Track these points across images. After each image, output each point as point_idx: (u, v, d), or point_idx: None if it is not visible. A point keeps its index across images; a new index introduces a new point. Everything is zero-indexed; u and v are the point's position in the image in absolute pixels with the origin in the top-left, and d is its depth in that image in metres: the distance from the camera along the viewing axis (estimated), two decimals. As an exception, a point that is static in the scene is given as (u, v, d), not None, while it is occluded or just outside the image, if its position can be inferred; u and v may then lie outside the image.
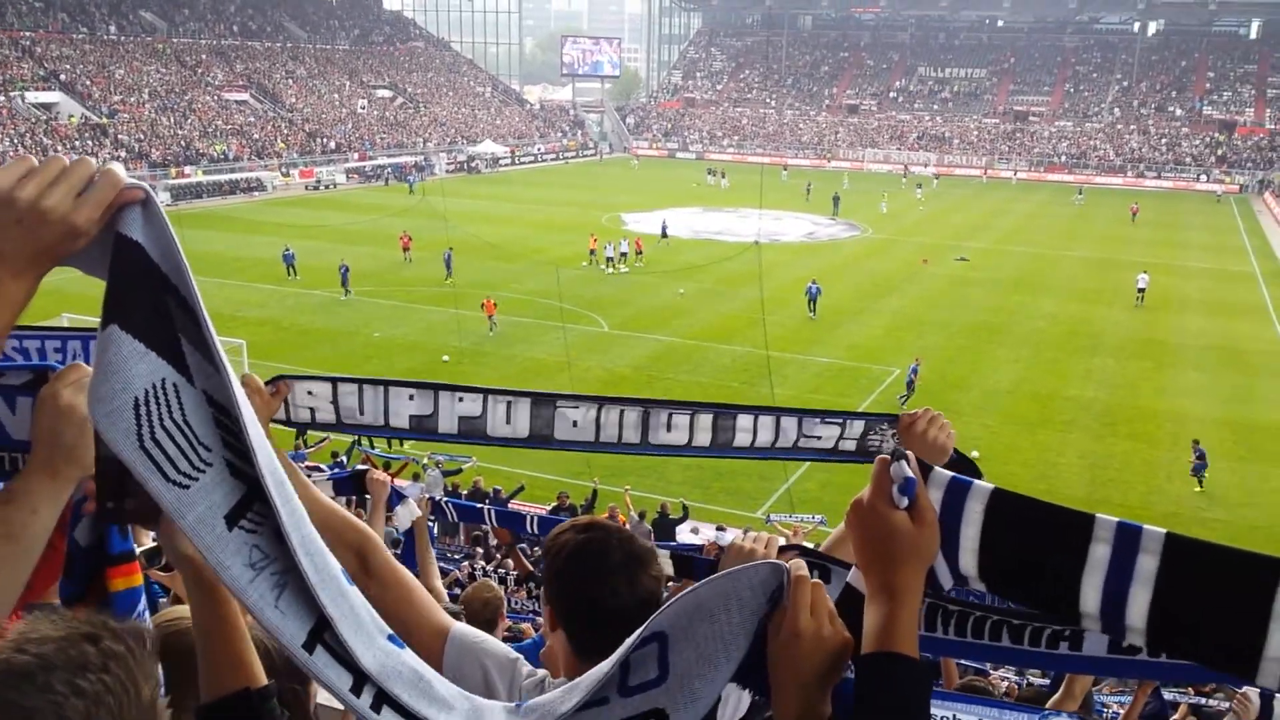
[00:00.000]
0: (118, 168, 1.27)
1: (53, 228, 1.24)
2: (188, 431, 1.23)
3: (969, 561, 1.41)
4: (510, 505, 17.62)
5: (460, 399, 2.85)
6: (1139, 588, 1.27)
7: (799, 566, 1.46)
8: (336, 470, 9.82)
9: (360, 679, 1.30)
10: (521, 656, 2.02)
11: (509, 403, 2.83)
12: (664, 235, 47.44)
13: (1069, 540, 1.32)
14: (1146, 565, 1.27)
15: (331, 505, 2.16)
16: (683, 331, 32.58)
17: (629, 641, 1.42)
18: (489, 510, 8.99)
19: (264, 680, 1.67)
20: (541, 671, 1.98)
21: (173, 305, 1.24)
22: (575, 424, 2.85)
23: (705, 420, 2.87)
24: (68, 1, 73.95)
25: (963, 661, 9.39)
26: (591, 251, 41.75)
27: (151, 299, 1.23)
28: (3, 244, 1.25)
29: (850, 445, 2.91)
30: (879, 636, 1.39)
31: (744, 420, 2.89)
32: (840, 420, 2.90)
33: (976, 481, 1.40)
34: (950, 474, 1.42)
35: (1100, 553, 1.29)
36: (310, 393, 2.97)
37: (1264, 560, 1.21)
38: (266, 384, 2.78)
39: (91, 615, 1.17)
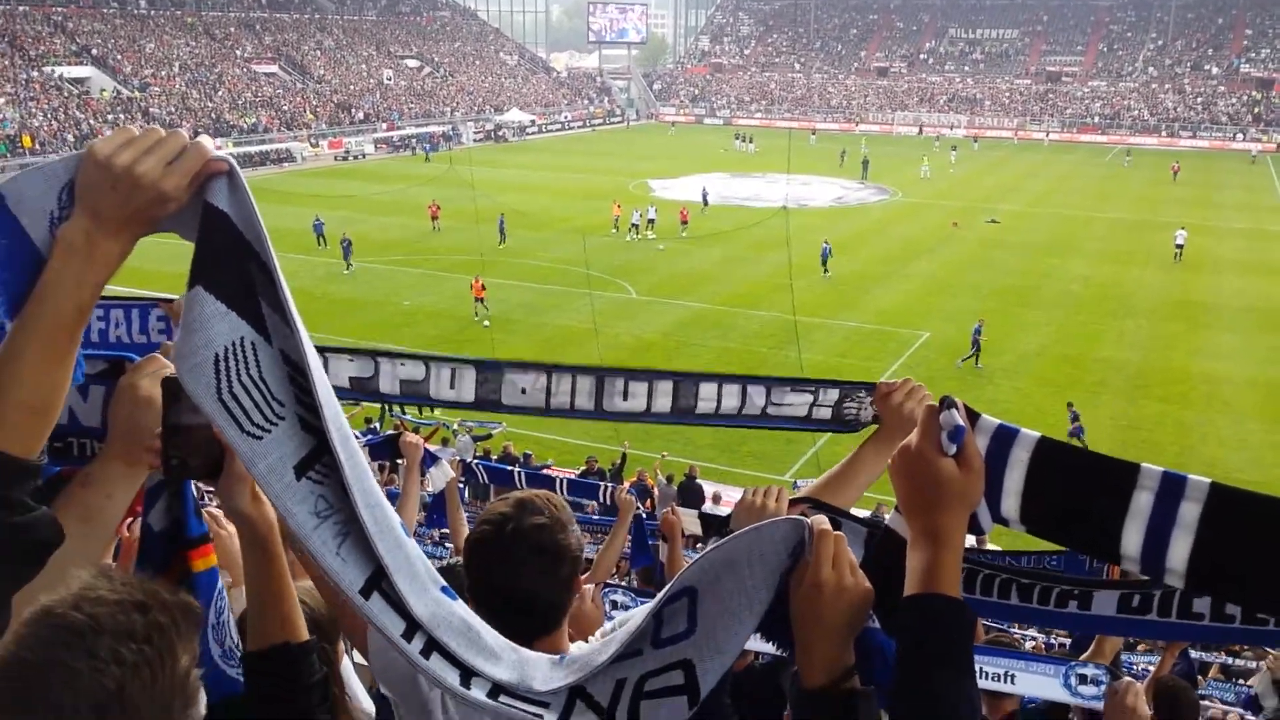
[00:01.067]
0: (206, 140, 1.38)
1: (144, 192, 1.33)
2: (263, 387, 1.33)
3: (1011, 505, 1.42)
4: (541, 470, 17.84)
5: (402, 364, 2.80)
6: (1181, 533, 1.29)
7: (821, 521, 1.48)
8: (371, 435, 10.05)
9: (412, 626, 1.38)
10: None
11: (453, 369, 2.80)
12: (705, 203, 46.75)
13: (1113, 486, 1.33)
14: (1189, 512, 1.28)
15: None
16: (711, 297, 32.55)
17: (661, 595, 1.47)
18: (519, 473, 9.17)
19: (305, 636, 1.75)
20: None
21: (254, 270, 1.34)
22: (524, 391, 2.76)
23: (665, 386, 2.76)
24: (97, -24, 74.34)
25: (985, 622, 9.48)
26: (616, 219, 41.67)
27: (235, 264, 1.33)
28: (100, 205, 1.34)
29: (825, 413, 2.77)
30: (923, 579, 1.42)
31: (706, 389, 2.76)
32: (813, 388, 2.75)
33: (1023, 430, 1.41)
34: (997, 421, 1.44)
35: (1144, 500, 1.31)
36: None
37: None
38: None
39: (146, 583, 1.25)
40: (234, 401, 1.31)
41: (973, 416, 1.44)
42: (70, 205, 1.36)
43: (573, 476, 17.25)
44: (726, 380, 2.80)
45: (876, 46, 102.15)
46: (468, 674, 1.42)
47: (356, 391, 2.94)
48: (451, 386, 2.78)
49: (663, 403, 2.78)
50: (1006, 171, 63.28)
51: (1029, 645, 9.53)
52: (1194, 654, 9.73)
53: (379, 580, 1.36)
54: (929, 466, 1.42)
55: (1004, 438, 1.42)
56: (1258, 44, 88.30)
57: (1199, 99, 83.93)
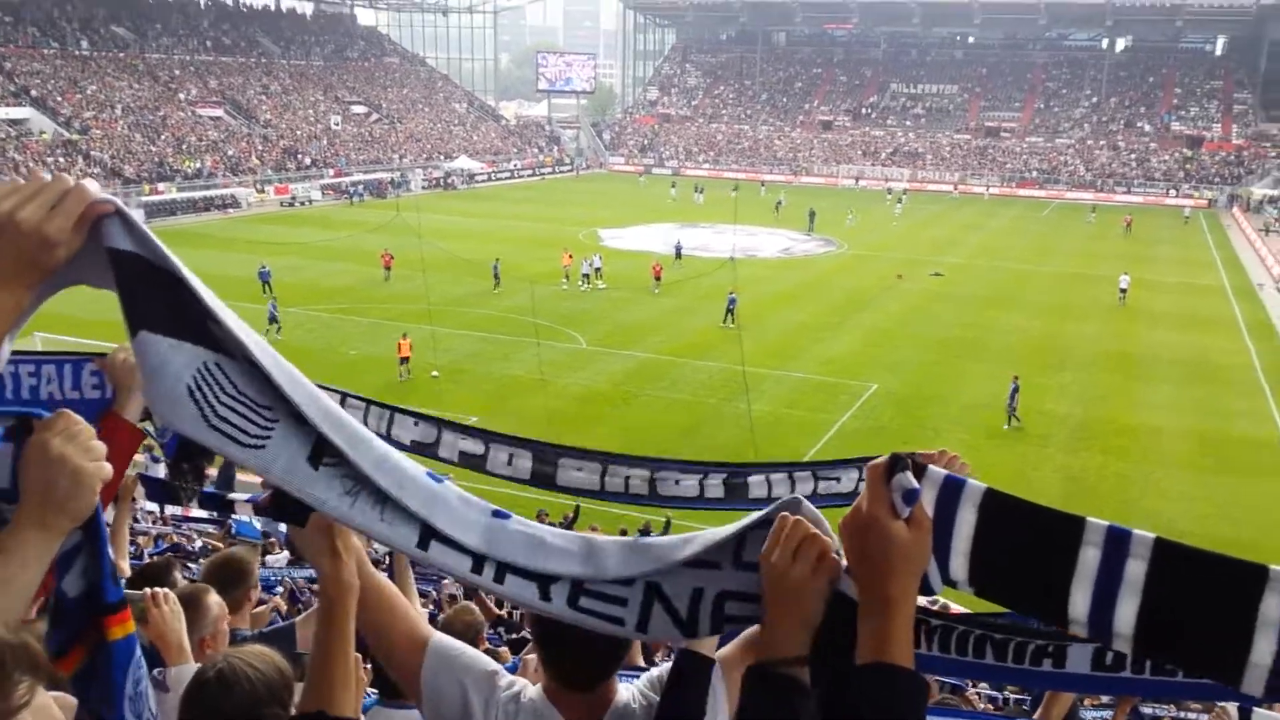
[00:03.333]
0: (89, 183, 1.37)
1: (27, 238, 1.32)
2: (246, 400, 1.34)
3: (959, 564, 1.41)
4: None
5: (463, 439, 2.94)
6: (1127, 593, 1.28)
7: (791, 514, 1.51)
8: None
9: (478, 559, 1.41)
10: (501, 669, 2.04)
11: (510, 453, 2.89)
12: (678, 256, 46.25)
13: (1059, 544, 1.32)
14: (1135, 570, 1.28)
15: (387, 588, 2.21)
16: (660, 347, 32.63)
17: (752, 517, 1.47)
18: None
19: (346, 713, 1.73)
20: (520, 682, 2.01)
21: (184, 296, 1.32)
22: (579, 470, 2.91)
23: (716, 480, 2.92)
24: (37, 16, 73.39)
25: (940, 679, 9.45)
26: (566, 268, 41.69)
27: (163, 296, 1.32)
28: None
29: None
30: (875, 647, 1.39)
31: (756, 478, 2.93)
32: (860, 462, 2.93)
33: (970, 481, 1.40)
34: (945, 472, 1.42)
35: (1090, 556, 1.30)
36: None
37: (1250, 567, 1.23)
38: None
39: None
40: (225, 424, 1.32)
41: (919, 469, 1.42)
42: None
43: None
44: (774, 471, 2.99)
45: (821, 99, 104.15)
46: (545, 584, 1.43)
47: (416, 453, 3.10)
48: (508, 464, 2.97)
49: (715, 493, 2.97)
50: (948, 225, 64.57)
51: (981, 706, 9.51)
52: (1145, 709, 9.79)
53: (430, 532, 1.39)
54: (880, 530, 1.40)
55: (951, 490, 1.40)
56: (1187, 102, 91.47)
57: (1133, 155, 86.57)
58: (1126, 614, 1.29)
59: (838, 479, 2.96)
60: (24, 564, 1.49)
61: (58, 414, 1.55)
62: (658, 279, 41.00)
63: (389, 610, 2.02)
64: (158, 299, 1.32)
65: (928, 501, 1.41)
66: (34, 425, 1.55)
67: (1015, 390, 26.40)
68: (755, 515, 1.49)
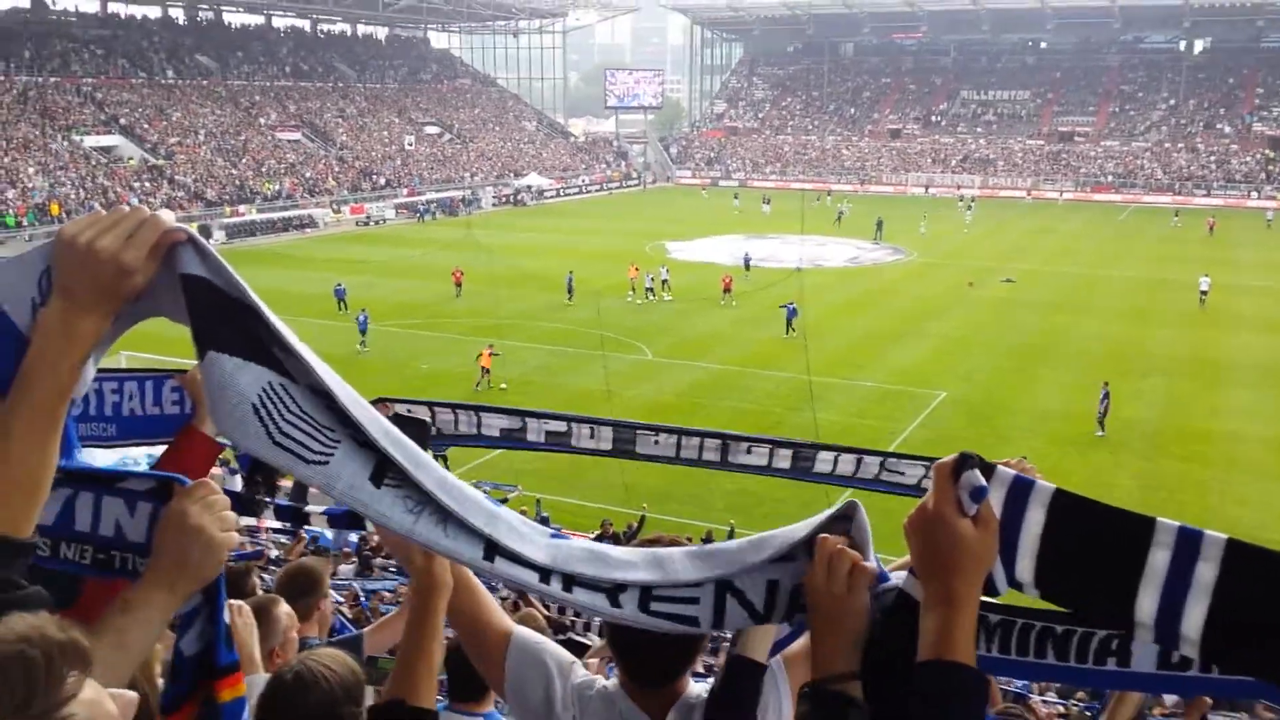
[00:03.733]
0: (165, 213, 1.47)
1: (105, 265, 1.40)
2: (310, 419, 1.41)
3: (1026, 566, 1.40)
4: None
5: (547, 422, 3.18)
6: (1196, 597, 1.26)
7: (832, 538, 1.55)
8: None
9: (544, 571, 1.45)
10: (578, 660, 2.18)
11: (592, 428, 3.11)
12: (747, 268, 45.99)
13: (1128, 545, 1.30)
14: (1205, 574, 1.25)
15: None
16: (726, 358, 32.71)
17: (820, 516, 1.52)
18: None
19: (424, 703, 1.83)
20: (594, 676, 2.13)
21: (252, 323, 1.42)
22: (656, 442, 3.11)
23: (785, 453, 3.09)
24: (127, 48, 76.30)
25: (1004, 687, 9.38)
26: (633, 281, 41.97)
27: (232, 320, 1.41)
28: (70, 284, 1.43)
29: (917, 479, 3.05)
30: (937, 645, 1.39)
31: (824, 455, 3.10)
32: (928, 463, 2.97)
33: (1039, 481, 1.39)
34: (1013, 472, 1.41)
35: (1159, 559, 1.28)
36: (409, 409, 3.21)
37: None
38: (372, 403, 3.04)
39: (40, 621, 1.23)
40: (288, 439, 1.38)
41: (987, 468, 1.41)
42: (50, 290, 1.44)
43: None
44: (844, 451, 3.15)
45: (889, 108, 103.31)
46: (614, 592, 1.47)
47: (506, 440, 3.40)
48: (591, 437, 3.20)
49: (782, 463, 3.13)
50: (1020, 231, 63.56)
51: (1045, 713, 9.41)
52: (1214, 716, 9.62)
53: (494, 547, 1.44)
54: (947, 528, 1.40)
55: (1020, 490, 1.40)
56: (1269, 102, 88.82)
57: (1212, 157, 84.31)
58: (1195, 618, 1.27)
59: (902, 472, 3.06)
60: (146, 621, 1.56)
61: (199, 483, 1.64)
62: (727, 291, 40.84)
63: (479, 603, 2.13)
64: (226, 322, 1.38)
65: (996, 501, 1.39)
66: (175, 490, 1.62)
67: (1106, 396, 26.00)
68: (824, 514, 1.54)
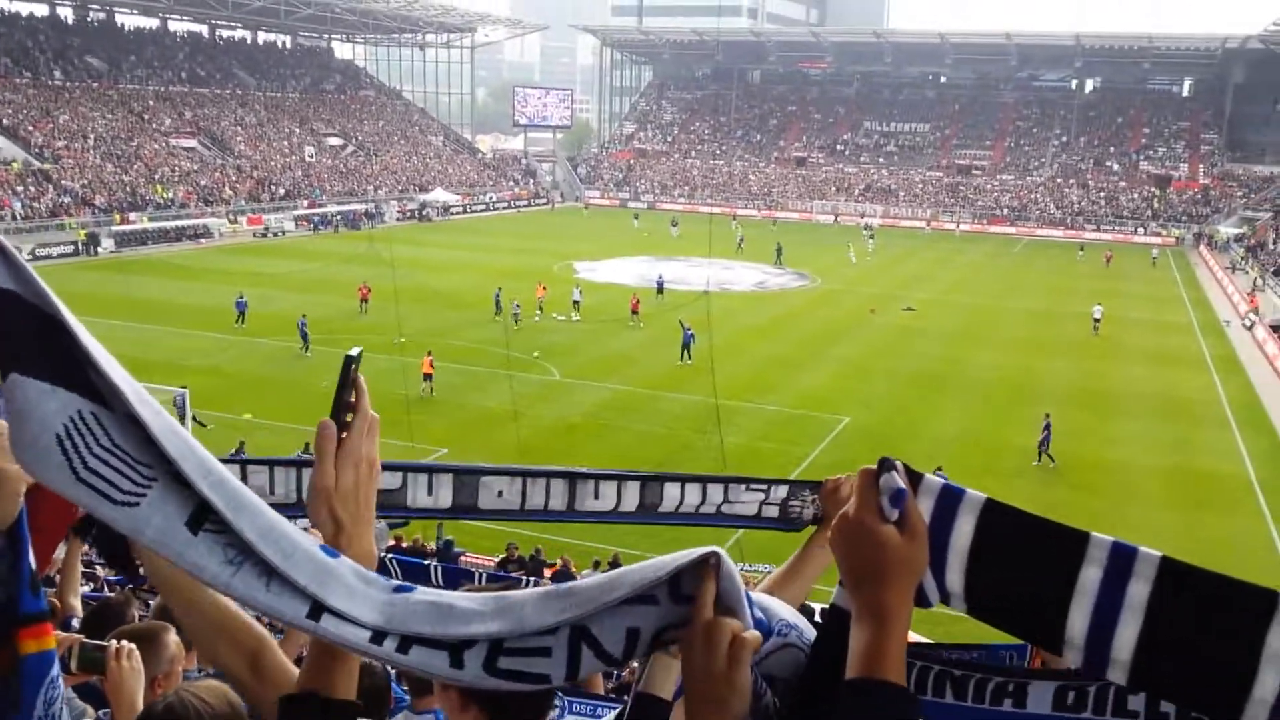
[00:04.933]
0: None
1: None
2: (121, 453, 1.23)
3: (956, 578, 1.34)
4: (459, 561, 17.36)
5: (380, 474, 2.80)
6: (1128, 617, 1.21)
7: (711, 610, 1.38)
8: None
9: (378, 632, 1.29)
10: None
11: (430, 476, 2.78)
12: (660, 291, 45.93)
13: (1061, 560, 1.25)
14: (1138, 592, 1.21)
15: (228, 608, 2.08)
16: (635, 380, 32.59)
17: (685, 554, 1.36)
18: (434, 568, 8.81)
19: (340, 694, 1.60)
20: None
21: (66, 343, 1.24)
22: (500, 494, 2.80)
23: (633, 487, 2.86)
24: (10, 46, 73.13)
25: None
26: (540, 300, 41.66)
27: (39, 339, 1.23)
28: None
29: (772, 511, 2.87)
30: (865, 661, 1.32)
31: (671, 489, 2.86)
32: (765, 486, 2.85)
33: (969, 491, 1.34)
34: (942, 481, 1.36)
35: (1091, 576, 1.23)
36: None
37: (1258, 592, 1.15)
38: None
39: None
40: (95, 476, 1.22)
41: (915, 477, 1.36)
42: None
43: (492, 568, 16.85)
44: (689, 481, 2.88)
45: (795, 136, 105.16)
46: (457, 650, 1.31)
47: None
48: (429, 494, 2.77)
49: (630, 503, 2.86)
50: (920, 260, 65.13)
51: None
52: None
53: (320, 606, 1.28)
54: (870, 535, 1.33)
55: (949, 499, 1.34)
56: (1154, 142, 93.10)
57: (1102, 193, 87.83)
58: (1126, 639, 1.22)
59: (742, 503, 2.88)
60: None
61: None
62: (635, 312, 40.95)
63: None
64: (33, 341, 1.23)
65: (925, 509, 1.34)
66: None
67: (1047, 427, 26.40)
68: (690, 553, 1.37)
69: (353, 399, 1.54)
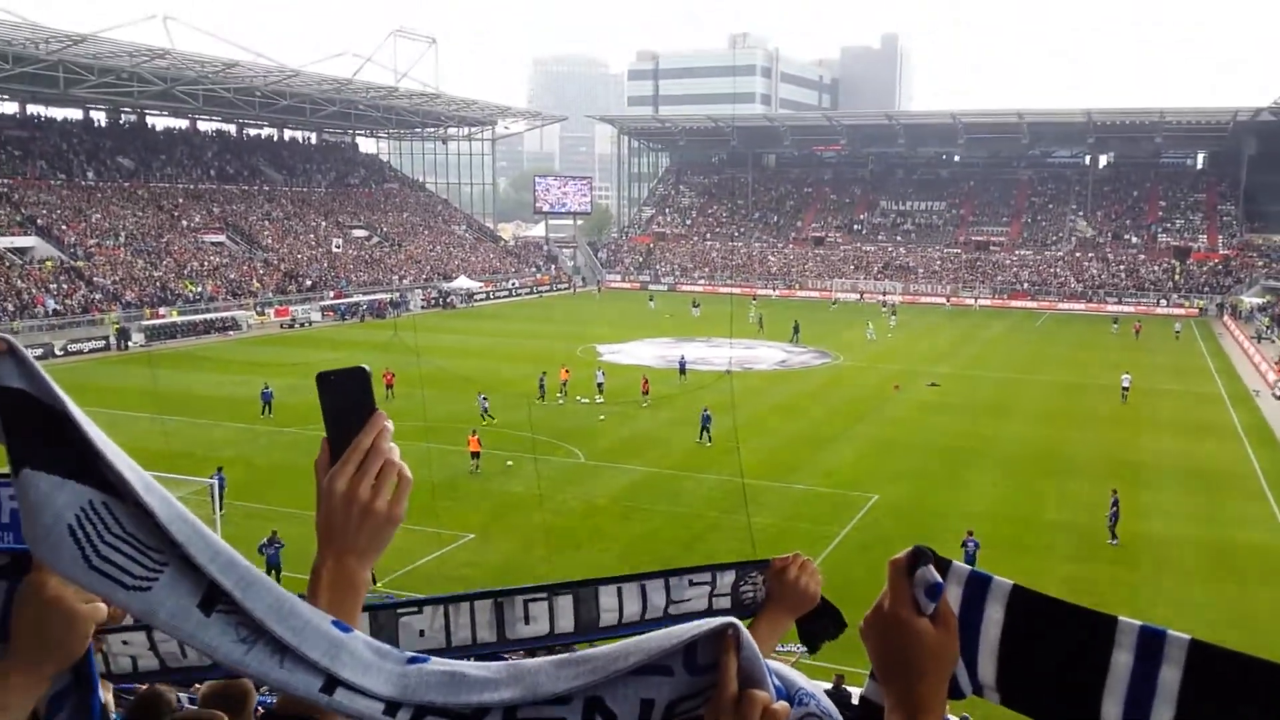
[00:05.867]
0: None
1: None
2: (133, 541, 1.28)
3: (987, 667, 1.35)
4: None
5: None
6: (1162, 702, 1.21)
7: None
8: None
9: (391, 704, 1.30)
10: None
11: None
12: (682, 371, 46.27)
13: (1090, 647, 1.26)
14: (1169, 678, 1.21)
15: None
16: (660, 461, 32.50)
17: (703, 624, 1.35)
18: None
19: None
20: None
21: (73, 435, 1.29)
22: (422, 633, 2.69)
23: (565, 603, 2.73)
24: (46, 149, 75.30)
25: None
26: (564, 384, 41.86)
27: (50, 434, 1.28)
28: None
29: (724, 602, 2.75)
30: None
31: (607, 600, 2.73)
32: (709, 576, 2.74)
33: (996, 578, 1.35)
34: (969, 568, 1.36)
35: (1122, 661, 1.24)
36: (125, 642, 2.84)
37: None
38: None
39: None
40: (107, 564, 1.26)
41: (942, 564, 1.36)
42: None
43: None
44: (625, 583, 2.75)
45: (812, 217, 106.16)
46: (474, 718, 1.31)
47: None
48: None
49: (565, 623, 2.74)
50: (942, 336, 65.09)
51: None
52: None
53: (335, 680, 1.29)
54: (904, 628, 1.33)
55: (977, 587, 1.35)
56: (1171, 214, 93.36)
57: (1121, 266, 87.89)
58: None
59: (689, 599, 2.75)
60: (5, 705, 1.45)
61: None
62: (645, 393, 41.23)
63: None
64: (44, 437, 1.29)
65: (953, 599, 1.35)
66: (29, 563, 1.51)
67: (1115, 504, 26.06)
68: (706, 624, 1.37)
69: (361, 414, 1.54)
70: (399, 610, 2.70)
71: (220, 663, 1.29)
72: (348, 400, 1.52)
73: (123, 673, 2.88)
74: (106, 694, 4.92)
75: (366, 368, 1.54)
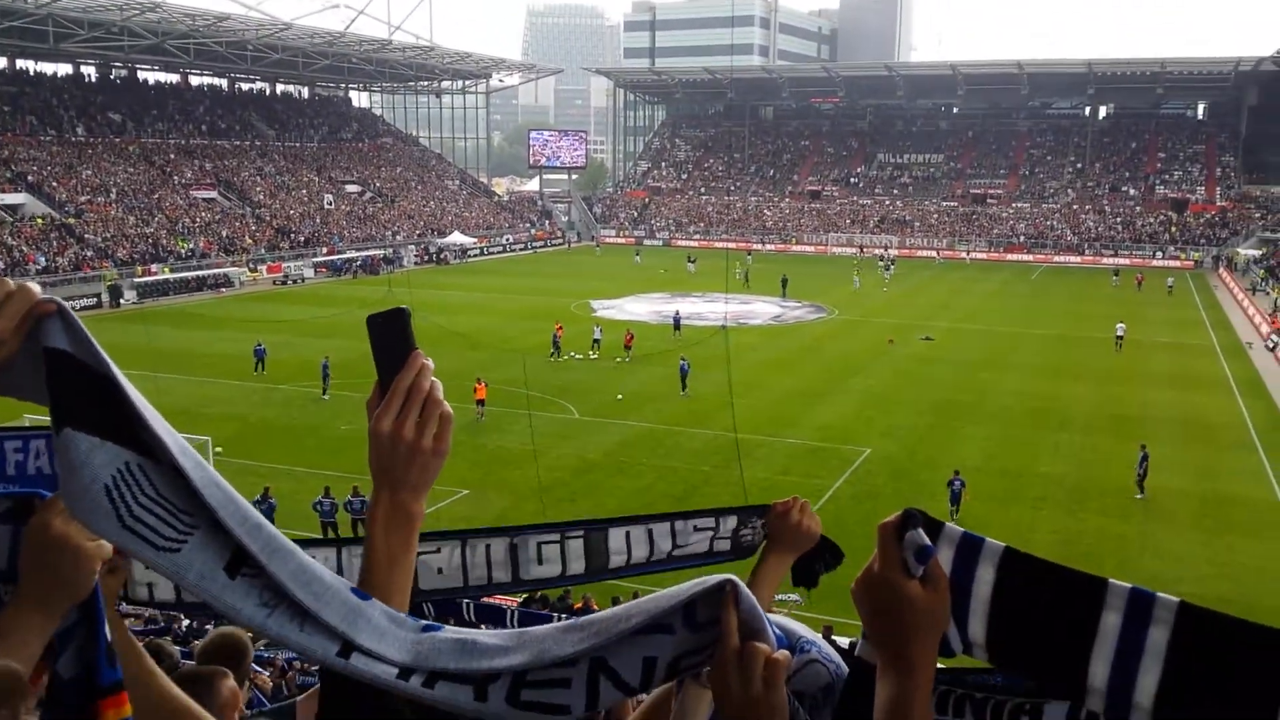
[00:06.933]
0: (32, 285, 1.38)
1: None
2: (165, 503, 1.32)
3: (978, 627, 1.36)
4: (491, 599, 17.14)
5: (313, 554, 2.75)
6: (1149, 663, 1.23)
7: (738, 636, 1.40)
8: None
9: (404, 669, 1.35)
10: None
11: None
12: (677, 327, 46.06)
13: (1080, 608, 1.27)
14: (1157, 638, 1.22)
15: (181, 701, 2.05)
16: (654, 417, 32.55)
17: (698, 582, 1.39)
18: (466, 604, 8.77)
19: None
20: None
21: (114, 398, 1.33)
22: (440, 571, 2.77)
23: (576, 547, 2.83)
24: (36, 104, 74.51)
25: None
26: (557, 339, 41.79)
27: (92, 396, 1.32)
28: None
29: (725, 545, 2.85)
30: (892, 714, 1.35)
31: (616, 542, 2.83)
32: (712, 522, 2.84)
33: (988, 540, 1.36)
34: (961, 530, 1.37)
35: (1111, 622, 1.25)
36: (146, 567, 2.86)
37: (1276, 636, 1.16)
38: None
39: None
40: (140, 524, 1.31)
41: (933, 526, 1.37)
42: None
43: (521, 606, 16.70)
44: (633, 525, 2.85)
45: (809, 170, 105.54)
46: (481, 684, 1.36)
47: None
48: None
49: (576, 565, 2.84)
50: (937, 290, 64.99)
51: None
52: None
53: (351, 645, 1.35)
54: (895, 591, 1.34)
55: (968, 548, 1.36)
56: (1170, 166, 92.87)
57: (1118, 218, 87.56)
58: (1148, 685, 1.23)
59: (693, 543, 2.84)
60: (23, 643, 1.51)
61: (58, 495, 1.56)
62: (627, 348, 41.14)
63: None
64: (86, 398, 1.33)
65: (944, 560, 1.36)
66: (34, 506, 1.58)
67: (1145, 458, 26.08)
68: (704, 581, 1.40)
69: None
70: (421, 550, 2.81)
71: (243, 625, 1.38)
72: (391, 341, 1.55)
73: (139, 600, 2.99)
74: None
75: (406, 308, 1.57)
